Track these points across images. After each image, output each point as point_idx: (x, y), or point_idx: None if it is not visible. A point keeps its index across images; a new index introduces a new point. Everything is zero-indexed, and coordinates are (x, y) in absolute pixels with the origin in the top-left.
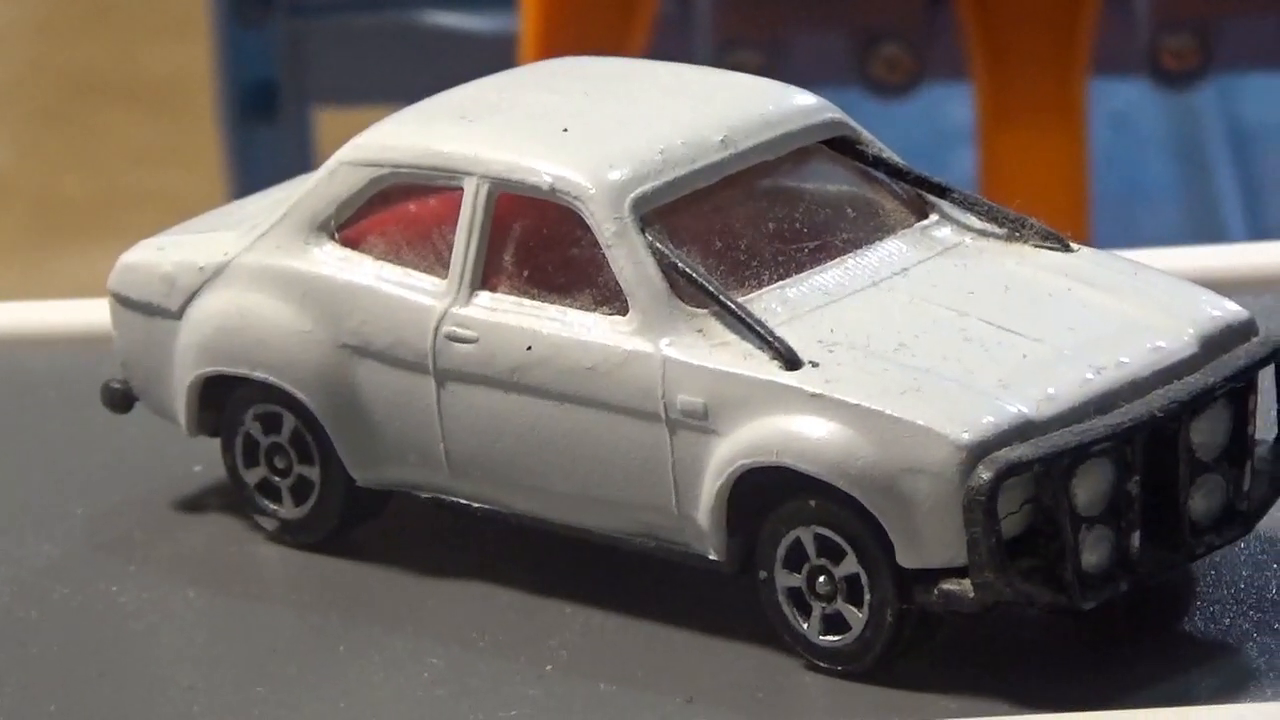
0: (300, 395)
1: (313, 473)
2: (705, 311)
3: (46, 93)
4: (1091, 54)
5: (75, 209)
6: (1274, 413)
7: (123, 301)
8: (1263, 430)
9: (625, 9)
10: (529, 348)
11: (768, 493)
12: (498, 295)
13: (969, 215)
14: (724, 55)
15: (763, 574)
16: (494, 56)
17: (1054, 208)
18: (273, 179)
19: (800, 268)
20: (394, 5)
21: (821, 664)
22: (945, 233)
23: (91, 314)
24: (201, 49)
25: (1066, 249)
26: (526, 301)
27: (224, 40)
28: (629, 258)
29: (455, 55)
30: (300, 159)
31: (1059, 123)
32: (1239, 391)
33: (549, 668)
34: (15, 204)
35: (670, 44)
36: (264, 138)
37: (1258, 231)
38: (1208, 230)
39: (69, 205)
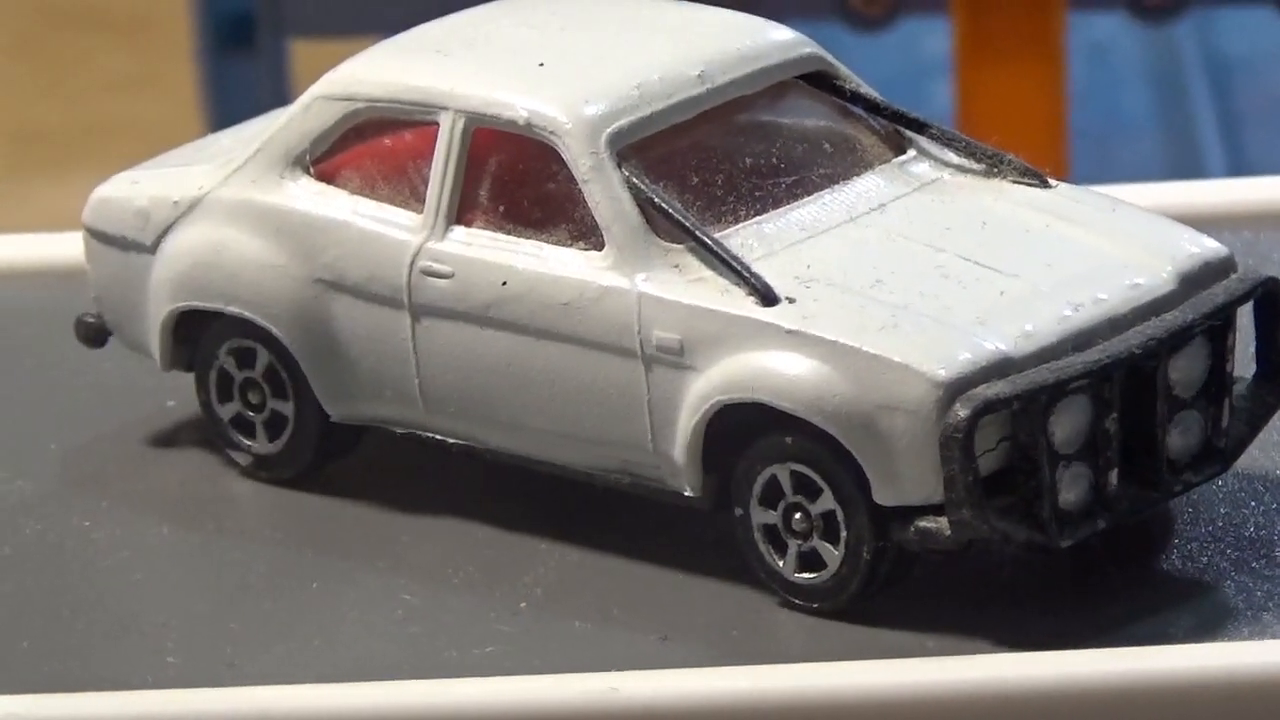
0: (274, 330)
1: (287, 408)
2: (681, 247)
3: (21, 22)
4: None
5: (51, 139)
6: (1252, 350)
7: (97, 236)
8: (1240, 368)
9: None
10: (504, 283)
11: (744, 429)
12: (473, 230)
13: (947, 151)
14: None
15: (738, 511)
16: None
17: (1031, 141)
18: (249, 110)
19: (777, 203)
20: None
21: (797, 601)
22: (923, 168)
23: (65, 248)
24: None
25: (1045, 185)
26: (502, 236)
27: None
28: (605, 193)
29: None
30: (276, 91)
31: (1037, 56)
32: (1217, 329)
33: (523, 605)
34: None
35: None
36: (240, 69)
37: (1236, 165)
38: (1186, 164)
39: (44, 136)
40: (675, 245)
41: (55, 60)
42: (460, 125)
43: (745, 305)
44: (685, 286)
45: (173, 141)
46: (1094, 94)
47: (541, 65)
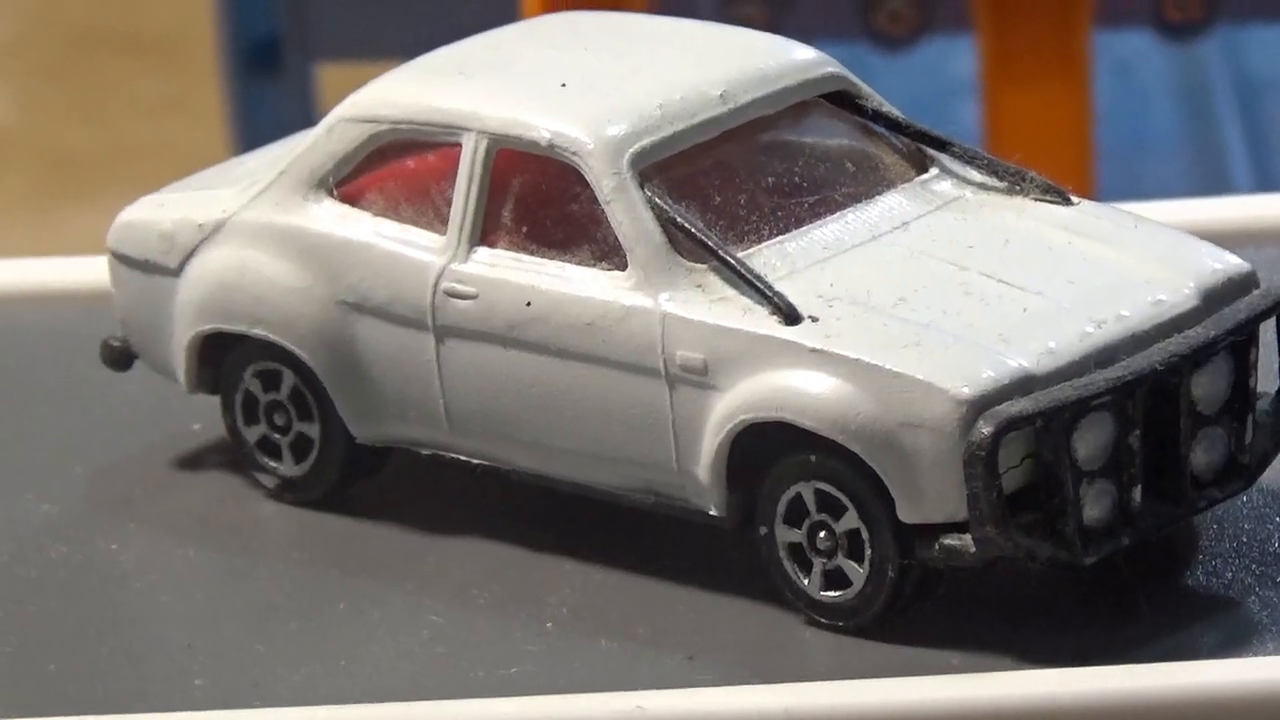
0: (299, 352)
1: (312, 430)
2: (704, 266)
3: (50, 47)
4: (1095, 5)
5: (80, 163)
6: (1275, 365)
7: (122, 259)
8: (1264, 383)
9: None
10: (528, 303)
11: (768, 448)
12: (497, 251)
13: (969, 169)
14: (728, 9)
15: (763, 529)
16: (496, 11)
17: (1058, 160)
18: (277, 133)
19: (800, 222)
20: None
21: (822, 620)
22: (945, 186)
23: (91, 271)
24: (204, 2)
25: (1067, 202)
26: (525, 257)
27: None
28: (628, 213)
29: (457, 10)
30: (304, 114)
31: (1063, 74)
32: (1240, 344)
33: (549, 625)
34: (20, 159)
35: None
36: (267, 92)
37: (1263, 182)
38: (1213, 181)
39: (73, 160)
40: (698, 265)
41: (85, 84)
42: (483, 146)
43: (768, 324)
44: (709, 306)
45: (202, 165)
46: (1120, 112)
47: (564, 86)
